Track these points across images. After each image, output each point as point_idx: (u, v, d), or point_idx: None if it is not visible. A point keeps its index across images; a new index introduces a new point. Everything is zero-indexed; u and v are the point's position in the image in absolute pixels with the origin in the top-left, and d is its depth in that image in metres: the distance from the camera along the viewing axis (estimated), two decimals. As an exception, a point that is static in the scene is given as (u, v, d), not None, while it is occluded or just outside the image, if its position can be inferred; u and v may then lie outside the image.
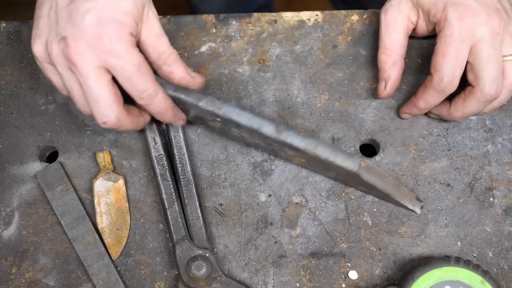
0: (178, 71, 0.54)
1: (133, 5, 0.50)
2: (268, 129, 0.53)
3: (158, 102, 0.52)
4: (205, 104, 0.53)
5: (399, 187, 0.56)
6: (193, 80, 0.55)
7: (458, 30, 0.53)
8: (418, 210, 0.58)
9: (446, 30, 0.54)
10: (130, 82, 0.50)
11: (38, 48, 0.51)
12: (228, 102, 0.53)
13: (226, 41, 0.65)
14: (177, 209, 0.57)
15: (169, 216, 0.56)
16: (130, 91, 0.50)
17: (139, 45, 0.53)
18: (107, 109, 0.50)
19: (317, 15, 0.66)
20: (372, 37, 0.65)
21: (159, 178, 0.58)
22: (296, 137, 0.53)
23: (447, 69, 0.53)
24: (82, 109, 0.52)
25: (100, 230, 0.58)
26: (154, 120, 0.58)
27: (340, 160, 0.52)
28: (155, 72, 0.54)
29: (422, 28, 0.59)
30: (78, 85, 0.50)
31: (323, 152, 0.53)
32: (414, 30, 0.60)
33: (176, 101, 0.54)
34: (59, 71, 0.50)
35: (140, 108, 0.55)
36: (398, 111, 0.62)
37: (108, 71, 0.49)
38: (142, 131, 0.60)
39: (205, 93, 0.55)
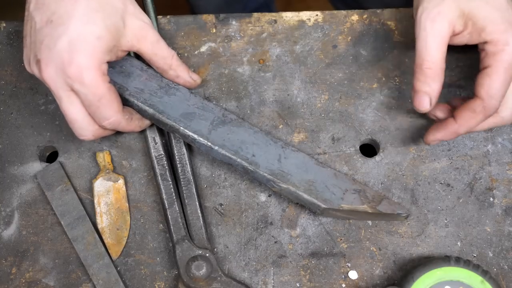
0: (183, 74, 0.59)
1: (105, 29, 0.50)
2: (239, 164, 0.55)
3: (121, 128, 0.55)
4: (179, 134, 0.56)
5: (375, 214, 0.56)
6: (194, 82, 0.60)
7: None
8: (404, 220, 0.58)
9: (505, 55, 0.51)
10: (91, 109, 0.52)
11: (27, 68, 0.53)
12: (201, 131, 0.55)
13: (226, 41, 0.65)
14: (177, 209, 0.57)
15: (169, 216, 0.56)
16: (92, 116, 0.53)
17: (143, 57, 0.56)
18: (82, 130, 0.53)
19: (317, 15, 0.66)
20: (372, 37, 0.65)
21: (159, 178, 0.58)
22: (262, 177, 0.55)
23: (501, 96, 0.52)
24: None
25: (100, 230, 0.58)
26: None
27: (304, 203, 0.55)
28: (162, 75, 0.58)
29: (460, 40, 0.54)
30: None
31: (289, 195, 0.55)
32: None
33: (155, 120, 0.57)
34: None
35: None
36: (424, 137, 0.57)
37: None
38: (142, 131, 0.60)
39: (188, 114, 0.57)
